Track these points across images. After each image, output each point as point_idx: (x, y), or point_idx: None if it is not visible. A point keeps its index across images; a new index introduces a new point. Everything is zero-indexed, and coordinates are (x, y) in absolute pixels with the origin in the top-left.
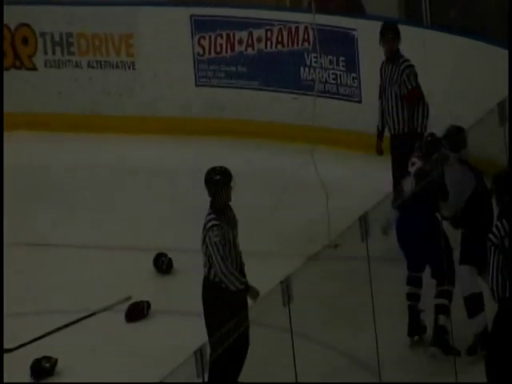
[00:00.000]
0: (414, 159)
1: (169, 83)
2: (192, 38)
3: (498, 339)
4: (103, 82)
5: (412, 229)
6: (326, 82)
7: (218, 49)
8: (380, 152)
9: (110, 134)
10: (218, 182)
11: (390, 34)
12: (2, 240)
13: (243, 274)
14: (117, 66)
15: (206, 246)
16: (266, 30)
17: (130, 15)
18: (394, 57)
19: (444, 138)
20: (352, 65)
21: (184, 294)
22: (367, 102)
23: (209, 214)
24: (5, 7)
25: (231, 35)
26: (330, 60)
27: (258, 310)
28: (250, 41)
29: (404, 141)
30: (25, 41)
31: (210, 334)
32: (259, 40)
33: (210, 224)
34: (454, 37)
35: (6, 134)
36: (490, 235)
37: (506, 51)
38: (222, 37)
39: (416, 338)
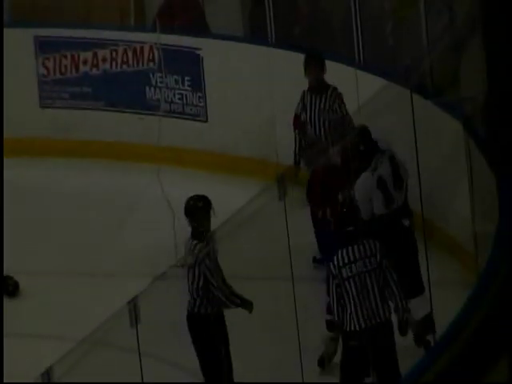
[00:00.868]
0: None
1: (13, 105)
2: (36, 58)
3: None
4: None
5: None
6: (172, 101)
7: (63, 69)
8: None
9: None
10: (202, 208)
11: (313, 64)
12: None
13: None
14: None
15: (200, 275)
16: (111, 51)
17: None
18: (320, 86)
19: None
20: (198, 84)
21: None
22: (213, 120)
23: (195, 242)
24: None
25: (76, 56)
26: (175, 79)
27: (105, 331)
28: (94, 61)
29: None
30: None
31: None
32: (104, 60)
33: (204, 252)
34: (299, 54)
35: None
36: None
37: (352, 68)
38: (66, 57)
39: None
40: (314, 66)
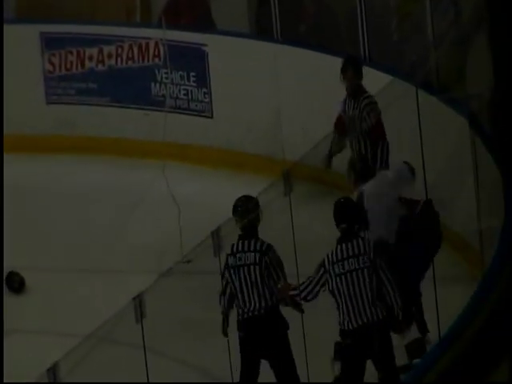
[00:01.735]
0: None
1: (18, 101)
2: (42, 55)
3: None
4: None
5: None
6: (177, 97)
7: (69, 66)
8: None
9: None
10: (256, 207)
11: (350, 70)
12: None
13: None
14: None
15: (267, 268)
16: (117, 47)
17: None
18: (355, 93)
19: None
20: (203, 80)
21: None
22: (218, 117)
23: (256, 239)
24: None
25: (81, 52)
26: (180, 75)
27: (110, 327)
28: (100, 57)
29: None
30: None
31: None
32: (110, 56)
33: (266, 244)
34: (305, 51)
35: None
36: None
37: None
38: (72, 54)
39: None
40: (349, 73)
